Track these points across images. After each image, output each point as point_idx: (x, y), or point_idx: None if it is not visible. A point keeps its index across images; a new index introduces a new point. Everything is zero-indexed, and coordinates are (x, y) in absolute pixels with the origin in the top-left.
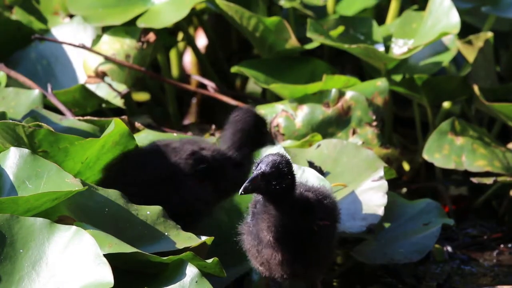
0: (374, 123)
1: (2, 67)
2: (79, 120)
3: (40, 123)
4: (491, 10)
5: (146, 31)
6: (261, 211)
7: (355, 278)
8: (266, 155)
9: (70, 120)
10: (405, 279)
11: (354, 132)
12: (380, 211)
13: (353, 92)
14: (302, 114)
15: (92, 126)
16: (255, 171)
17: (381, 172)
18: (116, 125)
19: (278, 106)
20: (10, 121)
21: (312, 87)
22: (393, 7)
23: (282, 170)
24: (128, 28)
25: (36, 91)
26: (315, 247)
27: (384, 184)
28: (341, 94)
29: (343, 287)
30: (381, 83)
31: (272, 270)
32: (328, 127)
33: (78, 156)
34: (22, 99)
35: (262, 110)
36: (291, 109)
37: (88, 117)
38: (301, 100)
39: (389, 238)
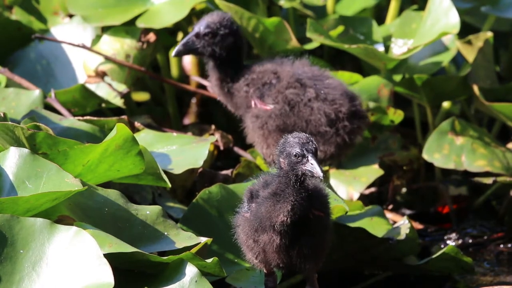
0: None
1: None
2: (79, 120)
3: (38, 124)
4: (490, 10)
5: (147, 31)
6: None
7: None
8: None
9: (70, 120)
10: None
11: None
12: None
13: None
14: None
15: (92, 126)
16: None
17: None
18: (119, 130)
19: None
20: (10, 122)
21: None
22: (393, 7)
23: None
24: (129, 28)
25: (37, 92)
26: (312, 235)
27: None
28: None
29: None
30: (383, 76)
31: (268, 260)
32: None
33: (78, 159)
34: (23, 100)
35: None
36: None
37: (88, 117)
38: None
39: None
